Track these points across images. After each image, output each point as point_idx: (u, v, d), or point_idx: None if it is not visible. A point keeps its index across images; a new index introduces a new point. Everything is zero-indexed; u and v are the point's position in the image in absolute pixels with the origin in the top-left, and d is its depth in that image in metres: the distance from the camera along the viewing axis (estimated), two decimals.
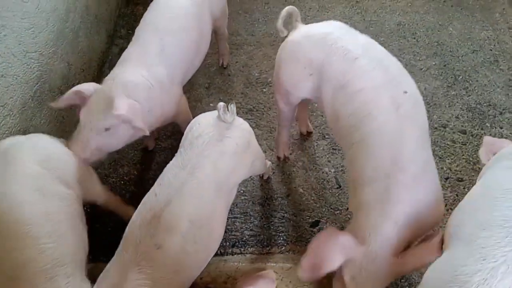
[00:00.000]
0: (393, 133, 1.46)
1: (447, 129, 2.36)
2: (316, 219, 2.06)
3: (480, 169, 2.15)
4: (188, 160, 1.52)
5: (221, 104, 1.59)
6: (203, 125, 1.62)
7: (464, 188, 2.12)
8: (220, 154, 1.54)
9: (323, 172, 2.23)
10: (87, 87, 1.68)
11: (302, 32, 1.78)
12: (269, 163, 2.13)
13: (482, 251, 1.20)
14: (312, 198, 2.14)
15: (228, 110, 1.60)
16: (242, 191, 2.15)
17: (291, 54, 1.79)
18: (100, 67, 2.66)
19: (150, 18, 1.98)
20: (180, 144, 1.63)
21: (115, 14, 3.02)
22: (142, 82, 1.75)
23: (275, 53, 2.79)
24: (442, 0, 3.17)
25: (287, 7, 1.85)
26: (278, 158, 2.27)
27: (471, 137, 2.33)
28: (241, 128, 1.67)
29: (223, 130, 1.59)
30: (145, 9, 2.08)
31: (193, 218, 1.41)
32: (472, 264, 1.19)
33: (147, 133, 1.71)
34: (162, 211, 1.38)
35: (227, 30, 2.63)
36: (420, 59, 2.73)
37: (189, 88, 2.56)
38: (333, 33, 1.68)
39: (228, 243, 1.99)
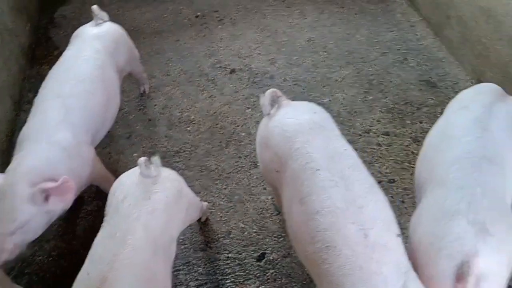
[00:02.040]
0: (365, 269, 1.22)
1: (370, 133, 2.42)
2: (262, 251, 2.00)
3: (409, 167, 2.23)
4: (116, 228, 1.42)
5: (142, 159, 1.51)
6: (126, 186, 1.53)
7: (397, 188, 2.16)
8: (151, 213, 1.45)
9: (260, 201, 2.18)
10: None
11: (280, 117, 1.58)
12: (205, 204, 2.06)
13: (457, 182, 1.39)
14: (254, 230, 2.08)
15: (150, 163, 1.52)
16: (181, 240, 2.05)
17: (263, 140, 1.65)
18: (9, 137, 2.49)
19: (51, 86, 1.92)
20: (105, 212, 1.53)
21: (19, 78, 2.85)
22: (46, 160, 1.66)
23: (193, 89, 2.78)
24: (346, 11, 3.30)
25: (269, 91, 1.65)
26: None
27: (394, 137, 2.39)
28: (169, 179, 1.60)
29: (149, 186, 1.51)
30: (51, 68, 1.99)
31: None
32: (454, 196, 1.36)
33: (69, 206, 1.62)
34: None
35: (145, 74, 2.63)
36: (334, 70, 2.80)
37: (108, 141, 2.45)
38: (304, 132, 1.49)
39: None
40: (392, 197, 2.12)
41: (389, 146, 2.35)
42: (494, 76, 2.45)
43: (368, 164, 2.26)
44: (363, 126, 2.45)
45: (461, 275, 1.23)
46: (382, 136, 2.40)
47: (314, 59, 2.89)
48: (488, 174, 1.41)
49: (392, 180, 2.20)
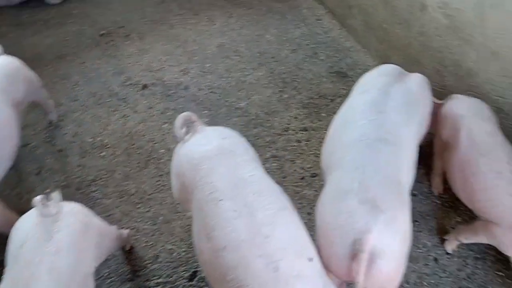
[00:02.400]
0: None
1: (289, 131, 2.42)
2: (193, 270, 1.92)
3: None
4: (18, 279, 1.28)
5: (37, 198, 1.39)
6: (24, 229, 1.40)
7: (320, 181, 2.17)
8: (55, 255, 1.33)
9: (187, 218, 2.10)
10: None
11: (190, 144, 1.52)
12: (125, 232, 1.94)
13: (352, 164, 1.44)
14: (183, 249, 2.00)
15: (49, 200, 1.40)
16: (106, 274, 1.92)
17: (174, 169, 1.57)
18: None
19: None
20: (5, 262, 1.39)
21: None
22: None
23: (104, 111, 2.64)
24: (254, 12, 3.30)
25: (182, 115, 1.59)
26: None
27: (312, 131, 2.41)
28: (72, 213, 1.47)
29: (50, 225, 1.38)
30: None
31: None
32: (347, 176, 1.41)
33: None
34: None
35: (50, 100, 2.51)
36: (248, 73, 2.78)
37: (16, 180, 2.26)
38: (210, 159, 1.43)
39: None
40: (316, 190, 2.13)
41: (308, 141, 2.36)
42: (398, 58, 2.54)
43: (290, 161, 2.26)
44: (282, 125, 2.45)
45: (354, 253, 1.25)
46: (301, 132, 2.41)
47: (226, 64, 2.86)
48: (383, 154, 1.46)
49: (314, 174, 2.21)
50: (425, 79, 1.91)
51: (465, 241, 1.87)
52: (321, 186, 2.15)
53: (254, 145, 2.33)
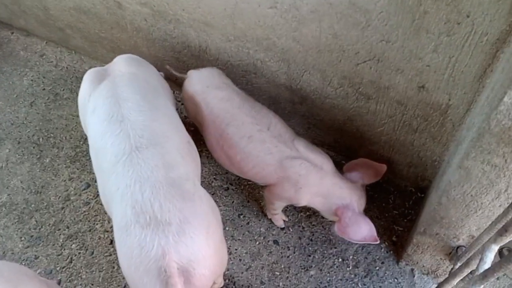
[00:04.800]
0: None
1: (71, 198, 2.03)
2: None
3: None
4: None
5: None
6: None
7: None
8: None
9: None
10: None
11: None
12: None
13: (117, 191, 1.27)
14: None
15: None
16: None
17: None
18: None
19: None
20: None
21: None
22: None
23: None
24: None
25: None
26: None
27: (96, 183, 2.08)
28: None
29: None
30: None
31: None
32: (119, 207, 1.24)
33: None
34: None
35: None
36: None
37: None
38: None
39: None
40: None
41: (97, 196, 2.04)
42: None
43: (89, 232, 1.92)
44: (60, 196, 2.04)
45: (166, 281, 1.12)
46: (84, 192, 2.05)
47: None
48: (143, 162, 1.29)
49: None
50: (129, 58, 1.70)
51: (276, 212, 1.83)
52: None
53: (41, 237, 1.94)
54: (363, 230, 1.57)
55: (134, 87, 1.52)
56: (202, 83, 1.72)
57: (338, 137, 1.98)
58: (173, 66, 2.01)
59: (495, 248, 1.06)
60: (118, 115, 1.41)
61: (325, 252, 1.86)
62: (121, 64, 1.65)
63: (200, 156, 2.13)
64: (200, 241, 1.20)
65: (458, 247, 1.49)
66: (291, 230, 1.91)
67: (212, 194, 1.93)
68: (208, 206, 1.32)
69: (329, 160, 1.67)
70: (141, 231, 1.17)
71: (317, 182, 1.60)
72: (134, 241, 1.17)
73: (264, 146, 1.58)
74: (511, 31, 1.13)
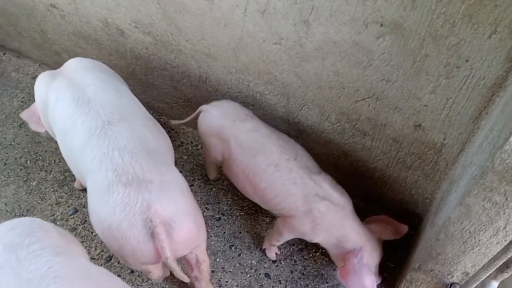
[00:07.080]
0: None
1: (58, 223, 1.98)
2: None
3: None
4: None
5: None
6: None
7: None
8: None
9: None
10: None
11: None
12: None
13: (95, 160, 1.35)
14: None
15: None
16: None
17: None
18: None
19: None
20: None
21: None
22: None
23: None
24: None
25: None
26: None
27: (84, 208, 2.03)
28: None
29: None
30: None
31: None
32: (99, 173, 1.32)
33: None
34: None
35: None
36: None
37: None
38: None
39: None
40: (122, 268, 1.80)
41: (85, 221, 1.98)
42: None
43: None
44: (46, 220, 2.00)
45: (151, 232, 1.22)
46: (71, 217, 2.00)
47: None
48: (118, 135, 1.39)
49: (109, 258, 1.87)
50: (80, 59, 1.76)
51: (278, 243, 1.82)
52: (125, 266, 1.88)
53: None
54: (363, 282, 1.55)
55: (92, 75, 1.62)
56: (228, 118, 1.72)
57: (332, 172, 2.01)
58: (170, 96, 2.03)
59: (495, 284, 1.08)
60: (84, 97, 1.50)
61: (317, 287, 1.85)
62: (72, 63, 1.71)
63: (193, 185, 2.14)
64: (178, 199, 1.31)
65: (451, 284, 1.51)
66: (283, 263, 1.89)
67: None
68: (180, 175, 1.42)
69: (350, 201, 1.67)
70: (124, 189, 1.26)
71: (336, 222, 1.60)
72: (118, 198, 1.25)
73: (290, 175, 1.60)
74: (507, 77, 1.20)
